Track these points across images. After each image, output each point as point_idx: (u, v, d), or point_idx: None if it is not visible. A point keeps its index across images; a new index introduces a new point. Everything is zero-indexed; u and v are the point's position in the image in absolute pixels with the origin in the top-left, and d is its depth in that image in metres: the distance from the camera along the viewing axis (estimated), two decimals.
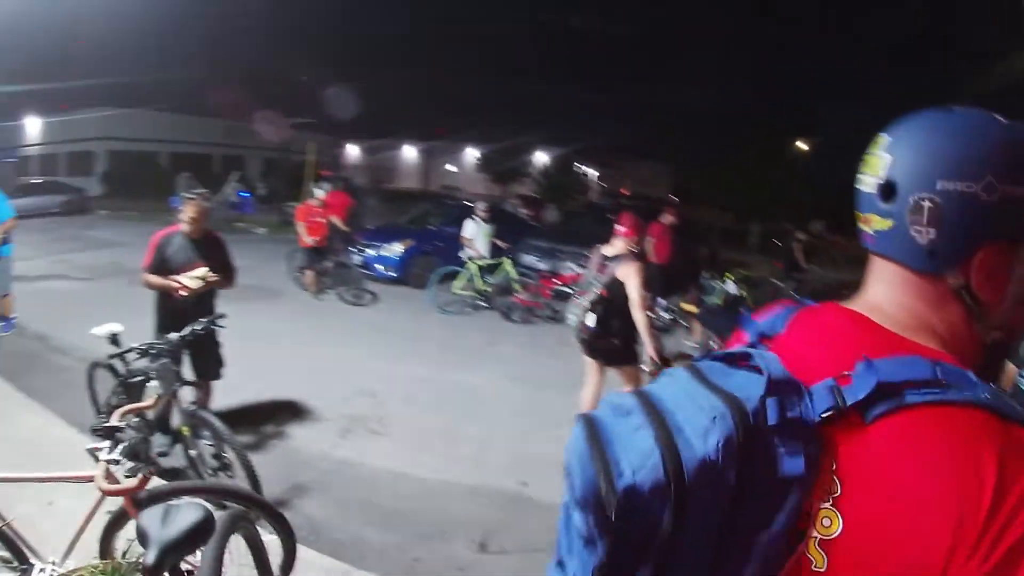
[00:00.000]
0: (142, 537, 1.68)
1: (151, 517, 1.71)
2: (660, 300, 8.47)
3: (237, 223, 19.86)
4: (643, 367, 4.62)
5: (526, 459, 5.10)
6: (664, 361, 4.92)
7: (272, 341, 7.96)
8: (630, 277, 4.71)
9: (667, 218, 9.84)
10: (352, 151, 47.49)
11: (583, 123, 37.66)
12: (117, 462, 2.25)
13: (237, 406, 5.76)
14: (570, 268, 10.28)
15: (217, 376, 4.88)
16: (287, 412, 5.77)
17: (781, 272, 10.78)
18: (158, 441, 4.27)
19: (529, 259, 11.54)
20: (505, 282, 10.02)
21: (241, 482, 3.70)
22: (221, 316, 4.28)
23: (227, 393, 5.66)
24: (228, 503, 2.58)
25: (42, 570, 2.21)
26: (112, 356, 3.92)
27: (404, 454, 5.11)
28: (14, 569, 2.51)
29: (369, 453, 5.09)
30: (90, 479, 2.18)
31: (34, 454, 4.27)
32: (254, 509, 2.52)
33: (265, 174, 34.99)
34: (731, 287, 8.73)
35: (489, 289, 10.13)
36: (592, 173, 47.90)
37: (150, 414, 3.99)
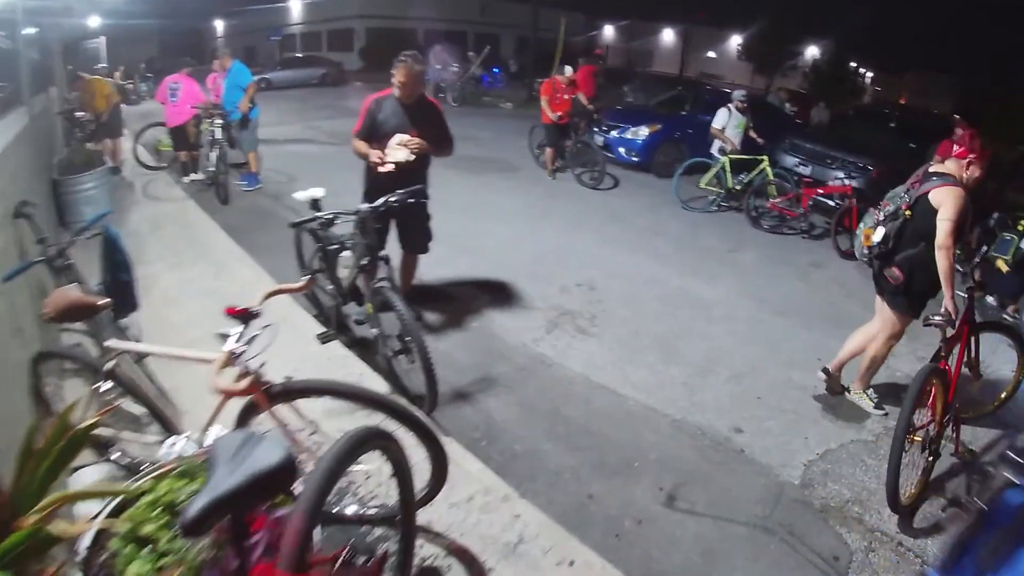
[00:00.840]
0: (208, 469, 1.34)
1: (223, 447, 1.35)
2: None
3: (485, 97, 20.01)
4: (936, 320, 3.53)
5: (747, 400, 4.31)
6: (969, 325, 3.86)
7: (498, 217, 7.78)
8: (946, 204, 3.60)
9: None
10: (609, 32, 45.61)
11: (862, 19, 31.81)
12: (240, 353, 1.96)
13: (445, 280, 5.65)
14: (838, 178, 8.59)
15: (423, 250, 4.67)
16: (495, 294, 5.52)
17: None
18: (355, 310, 4.20)
19: (789, 161, 9.84)
20: (759, 183, 8.70)
21: (418, 371, 3.45)
22: (422, 190, 3.93)
23: (438, 266, 5.56)
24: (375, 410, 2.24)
25: (173, 444, 2.05)
26: (306, 222, 3.74)
27: (609, 363, 4.58)
28: (156, 436, 2.44)
29: (572, 354, 4.65)
30: (210, 362, 1.92)
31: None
32: (399, 421, 2.15)
33: (517, 51, 34.88)
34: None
35: (739, 188, 8.90)
36: (867, 75, 41.45)
37: (344, 283, 3.87)
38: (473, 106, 18.65)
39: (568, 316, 5.23)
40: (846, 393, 4.46)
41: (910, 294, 3.95)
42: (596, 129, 11.28)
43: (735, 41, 42.87)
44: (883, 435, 4.10)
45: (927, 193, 3.74)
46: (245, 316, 2.03)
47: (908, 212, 3.84)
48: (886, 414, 4.30)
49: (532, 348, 4.67)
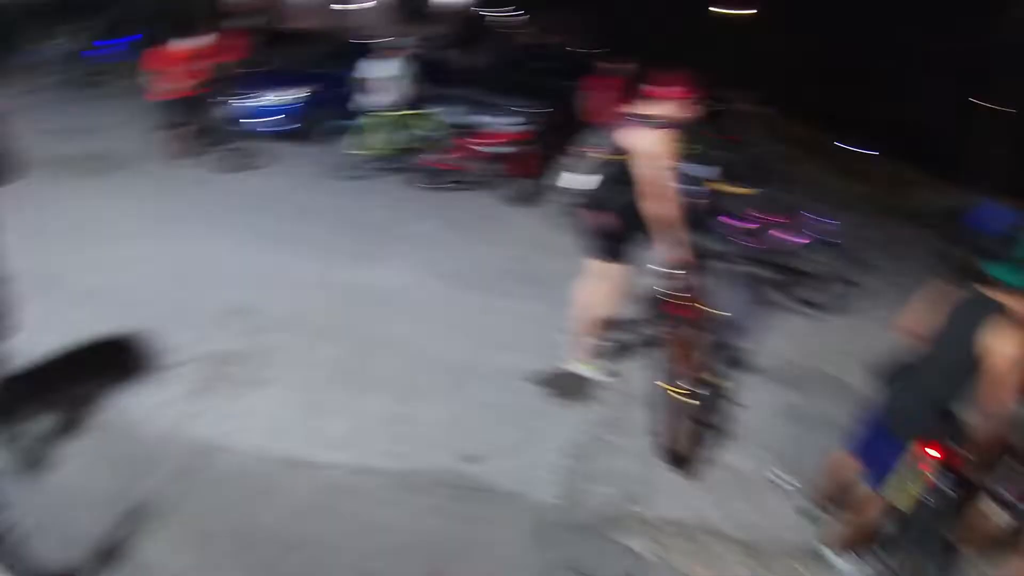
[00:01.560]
0: None
1: None
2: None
3: (100, 75, 16.10)
4: (666, 267, 3.53)
5: (470, 411, 3.71)
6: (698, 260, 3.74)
7: (118, 234, 5.84)
8: (653, 149, 3.47)
9: (625, 69, 8.12)
10: None
11: None
12: None
13: (51, 356, 3.88)
14: (506, 124, 8.27)
15: None
16: (123, 357, 3.96)
17: (732, 145, 9.62)
18: None
19: (451, 111, 8.98)
20: (422, 139, 8.06)
21: None
22: None
23: (41, 333, 3.74)
24: None
25: None
26: None
27: (294, 420, 3.53)
28: None
29: (244, 423, 3.46)
30: None
31: None
32: None
33: (154, 15, 28.76)
34: (711, 171, 7.16)
35: (401, 148, 8.14)
36: (507, 18, 44.37)
37: None
38: (84, 87, 14.64)
39: (226, 364, 3.97)
40: (569, 365, 4.13)
41: (619, 240, 3.75)
42: (232, 99, 9.46)
43: None
44: (622, 404, 3.83)
45: (631, 136, 3.55)
46: None
47: (612, 156, 3.62)
48: (618, 376, 4.05)
49: (188, 432, 3.36)
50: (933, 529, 2.63)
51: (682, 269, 3.46)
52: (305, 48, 12.29)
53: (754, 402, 4.19)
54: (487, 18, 36.80)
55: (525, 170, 7.63)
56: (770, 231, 6.89)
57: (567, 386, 3.97)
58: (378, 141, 8.13)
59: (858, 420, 2.99)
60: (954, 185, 17.62)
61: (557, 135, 8.85)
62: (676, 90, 3.60)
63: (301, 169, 8.31)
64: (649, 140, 3.48)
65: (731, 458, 3.54)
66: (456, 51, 19.44)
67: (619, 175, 3.59)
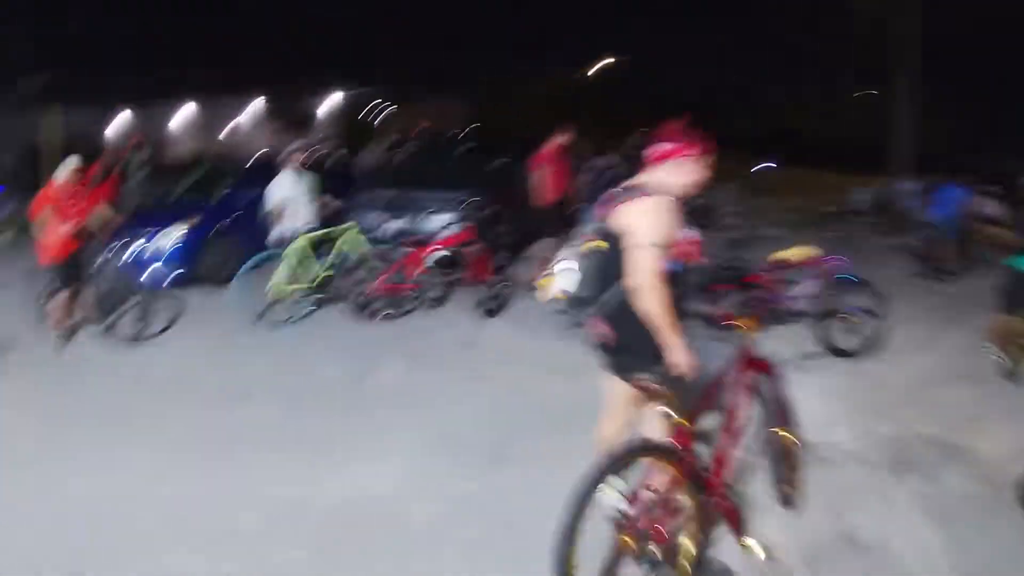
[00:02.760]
0: None
1: None
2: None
3: None
4: (646, 381, 2.69)
5: None
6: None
7: None
8: (636, 225, 2.69)
9: (563, 137, 7.37)
10: (120, 118, 38.86)
11: (369, 60, 36.13)
12: None
13: None
14: (449, 223, 7.03)
15: None
16: None
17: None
18: None
19: (376, 219, 7.97)
20: (354, 260, 6.72)
21: None
22: None
23: None
24: None
25: None
26: None
27: None
28: None
29: None
30: None
31: None
32: None
33: (21, 160, 24.96)
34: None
35: (331, 275, 6.76)
36: (387, 109, 45.52)
37: None
38: None
39: None
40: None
41: (642, 348, 2.73)
42: (117, 249, 7.67)
43: (256, 103, 41.91)
44: None
45: (617, 214, 2.81)
46: None
47: (600, 244, 2.85)
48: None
49: None
50: None
51: (680, 381, 2.63)
52: (194, 178, 10.54)
53: None
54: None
55: (478, 275, 6.46)
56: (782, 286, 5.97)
57: None
58: (302, 272, 6.69)
59: None
60: (870, 176, 17.78)
61: (503, 224, 7.83)
62: (668, 149, 2.85)
63: (214, 326, 6.57)
64: (623, 217, 2.75)
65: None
66: (356, 152, 18.42)
67: (603, 268, 2.81)
